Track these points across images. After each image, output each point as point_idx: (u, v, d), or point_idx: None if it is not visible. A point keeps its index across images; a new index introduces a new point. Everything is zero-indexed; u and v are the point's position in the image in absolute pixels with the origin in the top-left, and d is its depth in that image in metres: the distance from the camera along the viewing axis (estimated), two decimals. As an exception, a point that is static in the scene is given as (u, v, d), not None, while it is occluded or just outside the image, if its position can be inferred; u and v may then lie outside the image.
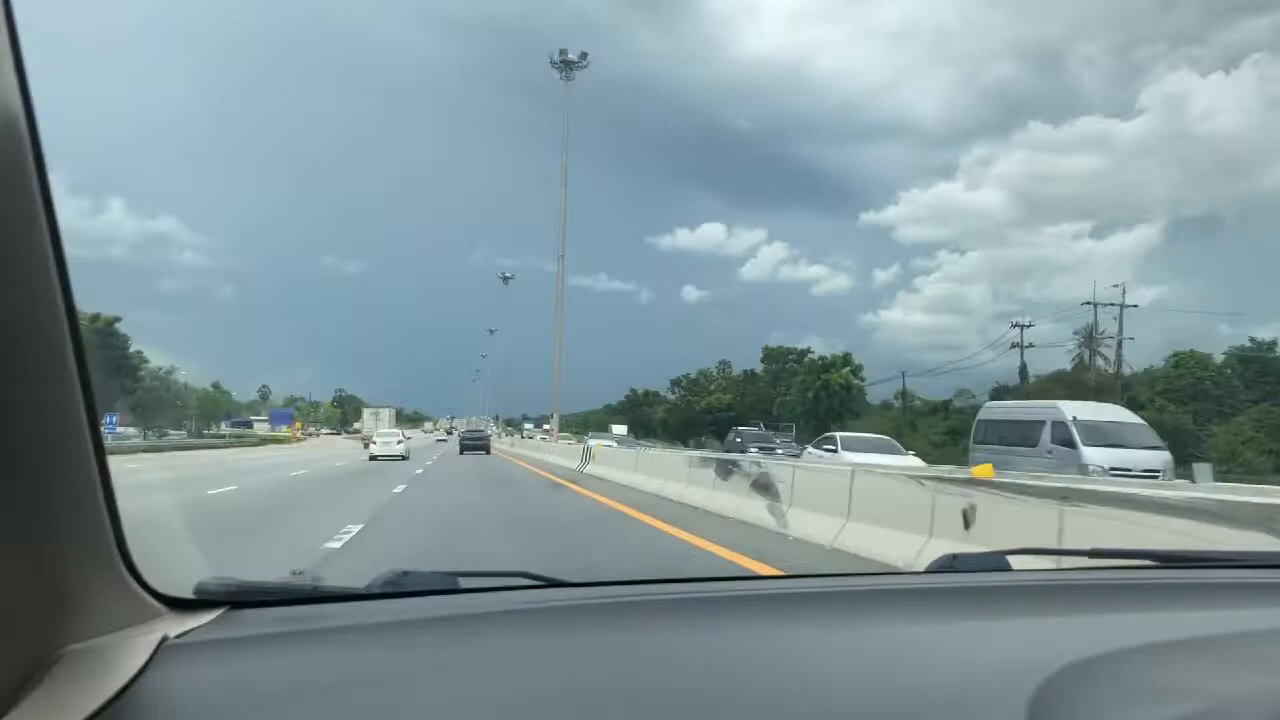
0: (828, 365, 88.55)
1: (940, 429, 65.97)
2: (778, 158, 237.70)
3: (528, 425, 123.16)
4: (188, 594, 1.52)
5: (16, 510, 1.12)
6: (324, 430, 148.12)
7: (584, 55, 67.39)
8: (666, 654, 1.44)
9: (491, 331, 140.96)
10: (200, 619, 1.46)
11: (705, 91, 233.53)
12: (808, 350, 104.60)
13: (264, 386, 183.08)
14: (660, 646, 1.47)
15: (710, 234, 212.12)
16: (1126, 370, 65.30)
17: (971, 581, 1.93)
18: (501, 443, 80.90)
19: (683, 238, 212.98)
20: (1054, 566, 2.15)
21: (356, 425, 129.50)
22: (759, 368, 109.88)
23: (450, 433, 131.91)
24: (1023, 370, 70.97)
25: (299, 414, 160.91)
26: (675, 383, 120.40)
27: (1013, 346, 71.74)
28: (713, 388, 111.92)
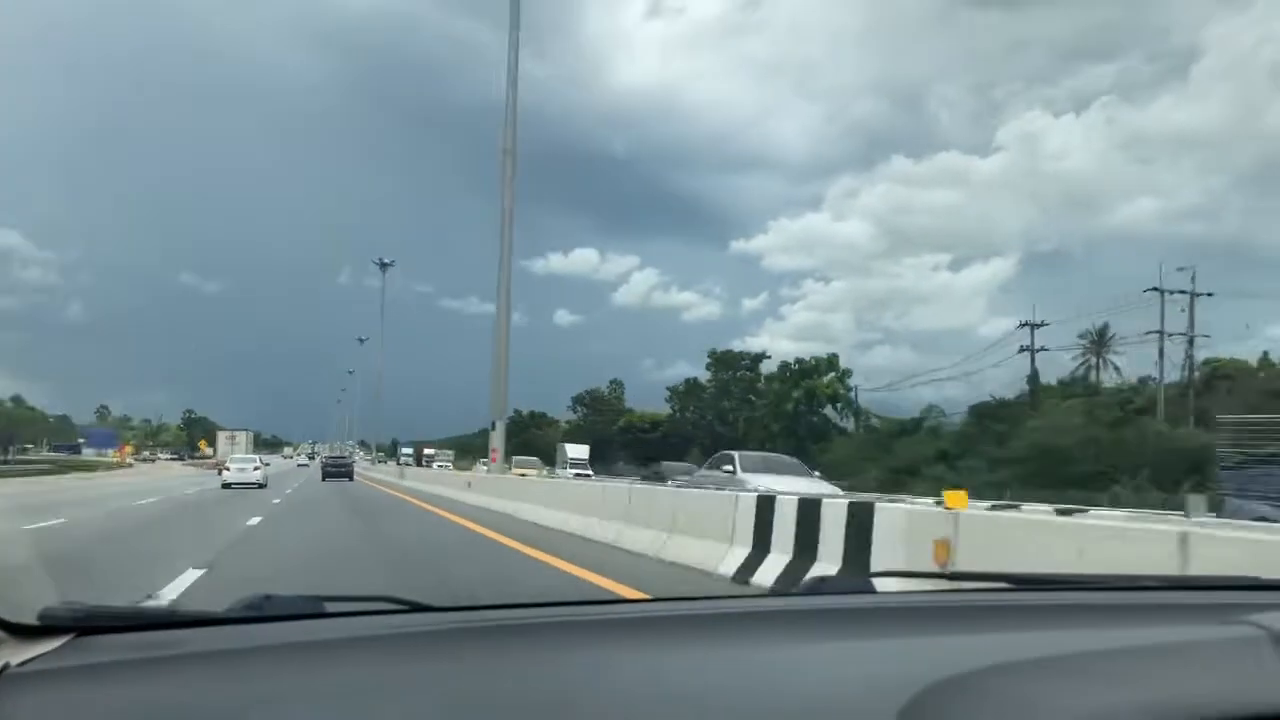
0: (808, 370, 76.50)
1: (930, 451, 55.03)
2: (651, 185, 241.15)
3: (405, 451, 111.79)
4: (32, 620, 1.43)
5: None
6: (164, 455, 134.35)
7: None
8: (527, 679, 1.43)
9: (361, 340, 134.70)
10: (46, 646, 1.38)
11: (580, 117, 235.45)
12: (763, 355, 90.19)
13: (102, 407, 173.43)
14: (521, 672, 1.46)
15: (583, 259, 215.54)
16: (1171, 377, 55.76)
17: (838, 603, 1.97)
18: (375, 472, 73.28)
19: (556, 262, 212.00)
20: (916, 589, 2.21)
21: (207, 450, 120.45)
22: (698, 377, 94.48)
23: (312, 458, 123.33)
24: (1034, 378, 62.27)
25: (134, 436, 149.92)
26: (578, 400, 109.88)
27: (1021, 350, 62.64)
28: (626, 409, 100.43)
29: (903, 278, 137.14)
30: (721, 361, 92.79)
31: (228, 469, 43.07)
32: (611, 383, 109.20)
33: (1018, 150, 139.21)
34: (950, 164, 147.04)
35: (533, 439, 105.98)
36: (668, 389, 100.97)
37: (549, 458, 74.41)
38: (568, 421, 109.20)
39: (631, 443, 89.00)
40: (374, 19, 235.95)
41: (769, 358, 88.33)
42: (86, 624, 1.47)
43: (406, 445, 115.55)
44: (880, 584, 2.08)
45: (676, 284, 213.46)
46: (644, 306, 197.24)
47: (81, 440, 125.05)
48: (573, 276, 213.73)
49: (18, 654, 1.32)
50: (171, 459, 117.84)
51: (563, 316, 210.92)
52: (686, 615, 1.89)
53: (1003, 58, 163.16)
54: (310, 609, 1.69)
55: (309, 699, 1.33)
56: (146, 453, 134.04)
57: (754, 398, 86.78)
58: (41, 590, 1.71)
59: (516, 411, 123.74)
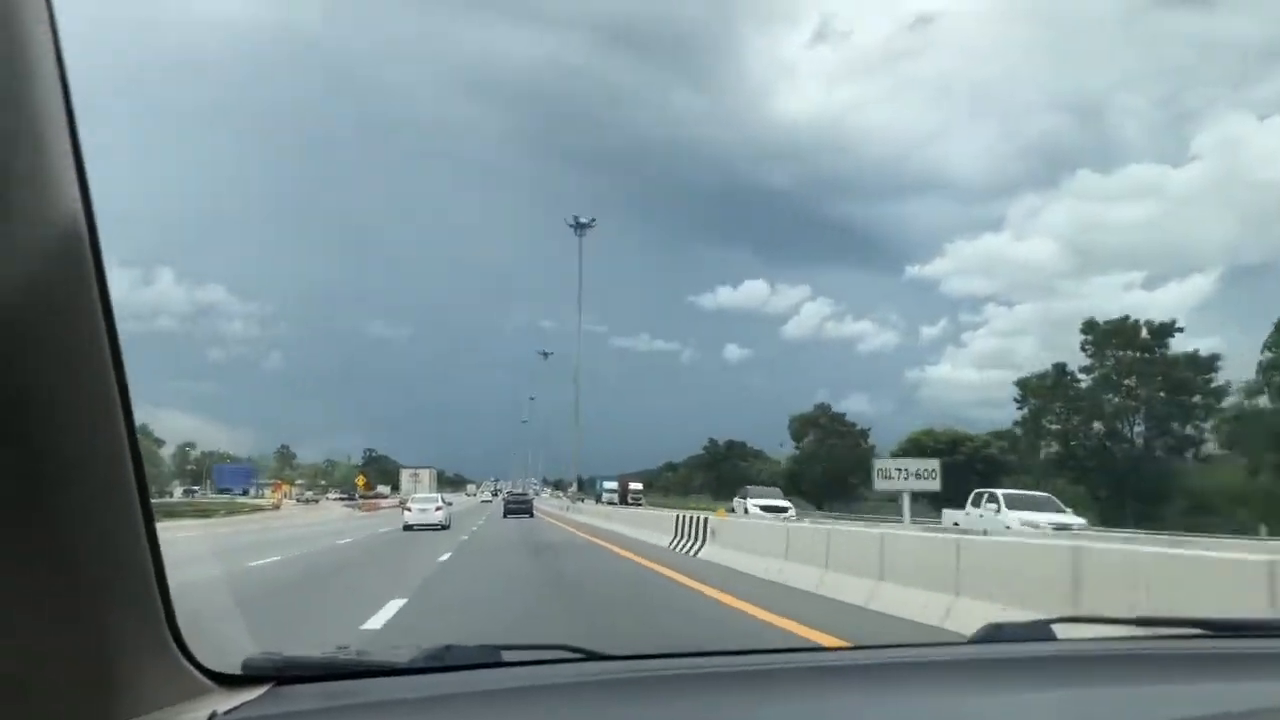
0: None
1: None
2: (819, 214, 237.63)
3: (608, 486, 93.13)
4: (235, 669, 1.53)
5: (67, 583, 1.15)
6: (333, 495, 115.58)
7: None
8: None
9: (531, 399, 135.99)
10: (247, 695, 1.47)
11: (744, 150, 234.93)
12: (1172, 326, 58.78)
13: (283, 447, 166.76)
14: None
15: (753, 291, 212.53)
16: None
17: (1015, 652, 1.90)
18: (578, 513, 57.84)
19: (725, 296, 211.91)
20: (1100, 636, 2.10)
21: (382, 488, 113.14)
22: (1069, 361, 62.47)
23: (495, 494, 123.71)
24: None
25: (298, 475, 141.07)
26: (809, 421, 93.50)
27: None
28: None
29: (1092, 298, 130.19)
30: (1109, 335, 60.15)
31: (408, 509, 40.12)
32: (818, 406, 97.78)
33: (1217, 158, 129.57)
34: (1141, 176, 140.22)
35: (726, 473, 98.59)
36: (792, 423, 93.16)
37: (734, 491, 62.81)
38: (789, 457, 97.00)
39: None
40: (540, 70, 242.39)
41: (1180, 330, 59.20)
42: (285, 673, 1.57)
43: (609, 480, 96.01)
44: (1061, 630, 1.99)
45: (850, 313, 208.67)
46: (816, 338, 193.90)
47: (201, 482, 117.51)
48: (742, 310, 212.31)
49: (223, 703, 1.41)
50: (339, 499, 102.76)
51: (732, 351, 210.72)
52: (869, 664, 1.85)
53: (1195, 62, 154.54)
54: (489, 658, 1.74)
55: None
56: (310, 493, 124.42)
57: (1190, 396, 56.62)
58: (240, 638, 1.82)
59: (711, 441, 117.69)
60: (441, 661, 1.71)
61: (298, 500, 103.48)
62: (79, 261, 0.93)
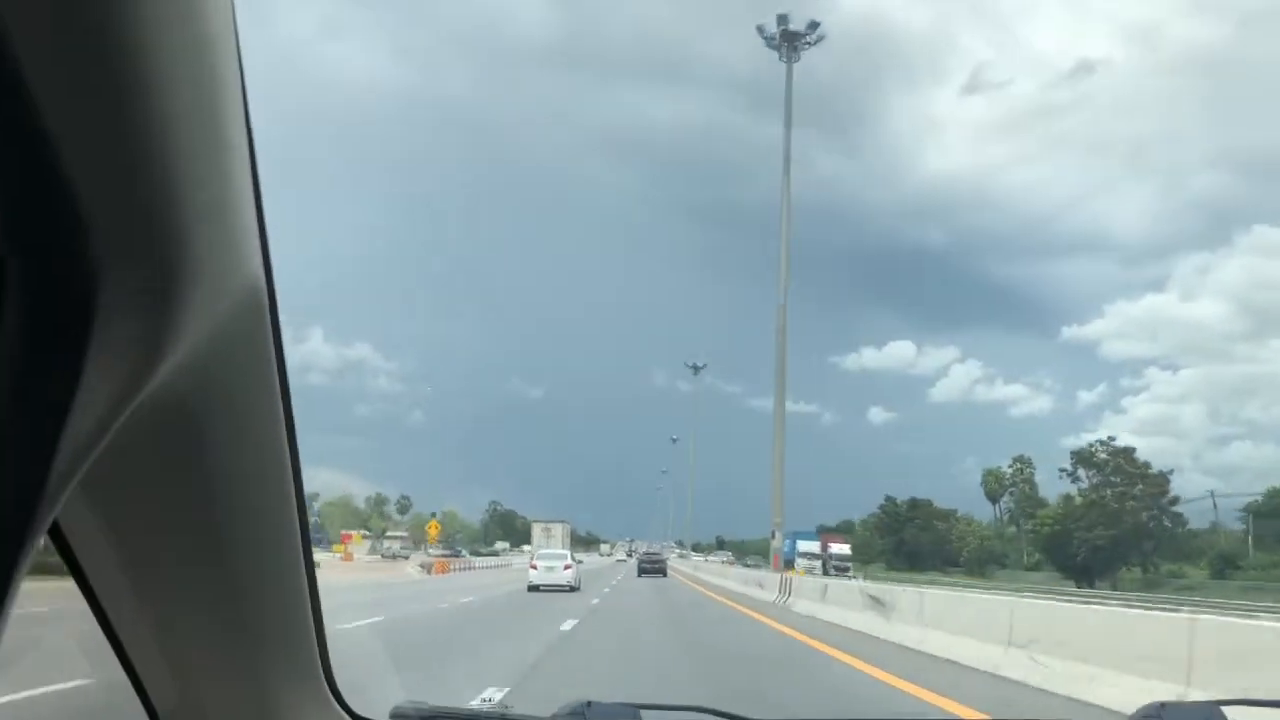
0: None
1: None
2: (968, 274, 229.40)
3: (806, 549, 75.25)
4: (384, 718, 1.57)
5: (239, 633, 1.21)
6: (435, 550, 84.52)
7: (704, 365, 70.52)
8: None
9: (674, 440, 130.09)
10: None
11: (889, 210, 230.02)
12: None
13: (403, 497, 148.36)
14: None
15: (898, 352, 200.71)
16: None
17: None
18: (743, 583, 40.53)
19: (869, 357, 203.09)
20: None
21: (501, 544, 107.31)
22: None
23: (630, 555, 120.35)
24: None
25: (404, 527, 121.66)
26: (1017, 474, 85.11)
27: None
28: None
29: (1271, 362, 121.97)
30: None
31: (534, 567, 34.86)
32: (1015, 459, 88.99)
33: None
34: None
35: (909, 539, 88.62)
36: (988, 480, 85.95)
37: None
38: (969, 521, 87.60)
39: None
40: (681, 131, 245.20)
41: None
42: None
43: (807, 538, 79.07)
44: (1233, 714, 1.87)
45: (1001, 377, 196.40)
46: (965, 401, 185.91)
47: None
48: (886, 371, 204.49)
49: None
50: (444, 554, 77.91)
51: (876, 414, 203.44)
52: None
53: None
54: (628, 716, 1.74)
55: None
56: (400, 545, 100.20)
57: None
58: (389, 687, 1.86)
59: (889, 499, 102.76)
60: (582, 717, 1.72)
61: (383, 555, 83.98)
62: (261, 325, 0.98)
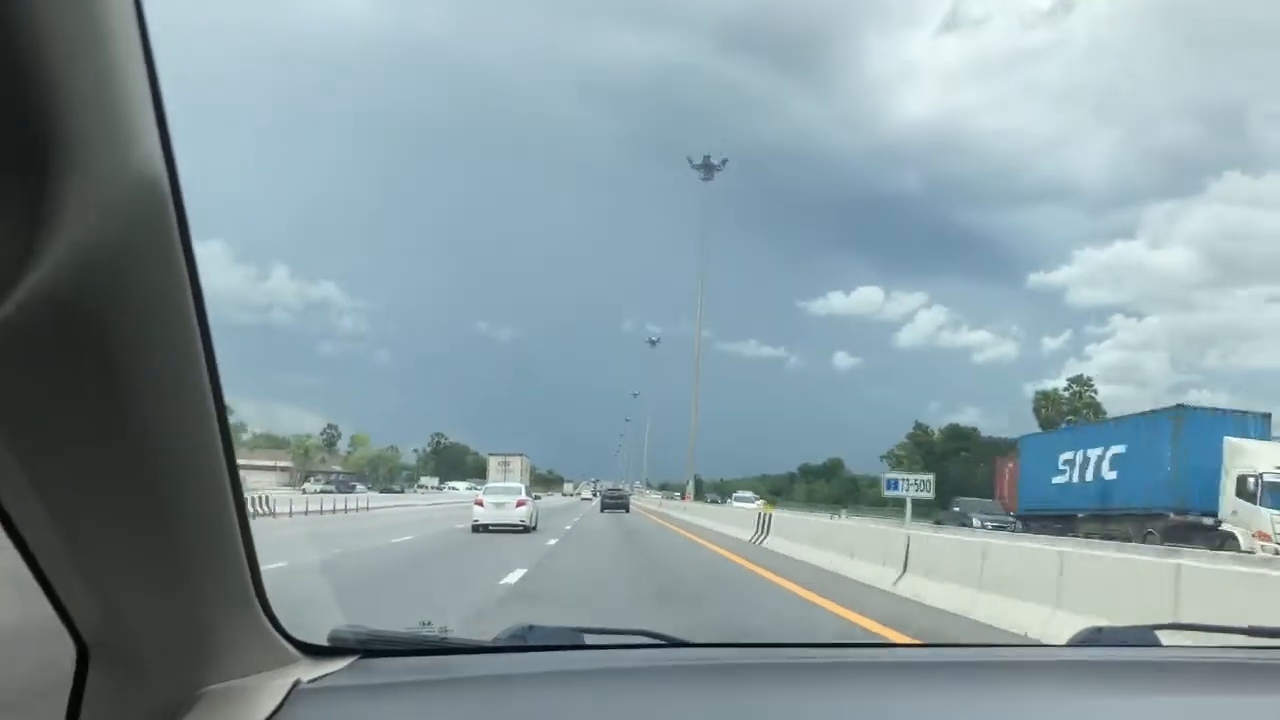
0: None
1: None
2: (937, 220, 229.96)
3: (744, 495, 73.07)
4: (322, 641, 1.56)
5: (163, 557, 1.18)
6: (315, 483, 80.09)
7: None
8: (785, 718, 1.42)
9: (635, 395, 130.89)
10: (333, 665, 1.51)
11: (861, 155, 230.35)
12: None
13: (329, 427, 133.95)
14: (782, 712, 1.44)
15: (866, 297, 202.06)
16: None
17: (1118, 656, 1.83)
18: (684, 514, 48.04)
19: (836, 302, 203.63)
20: (1207, 644, 2.01)
21: (430, 479, 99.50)
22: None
23: (595, 494, 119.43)
24: None
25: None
26: (1076, 397, 75.56)
27: None
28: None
29: (1233, 310, 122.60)
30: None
31: (480, 504, 28.87)
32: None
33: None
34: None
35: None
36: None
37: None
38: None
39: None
40: (656, 73, 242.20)
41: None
42: (370, 646, 1.60)
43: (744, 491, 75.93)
44: (1166, 638, 1.91)
45: (967, 323, 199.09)
46: (930, 347, 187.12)
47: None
48: (854, 317, 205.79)
49: (308, 672, 1.44)
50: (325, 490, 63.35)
51: (841, 359, 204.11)
52: (955, 662, 1.81)
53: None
54: (571, 640, 1.75)
55: None
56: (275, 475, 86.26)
57: None
58: (329, 614, 1.86)
59: (919, 426, 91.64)
60: (524, 641, 1.73)
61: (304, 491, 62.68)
62: (163, 231, 0.93)
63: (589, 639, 1.78)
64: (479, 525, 27.62)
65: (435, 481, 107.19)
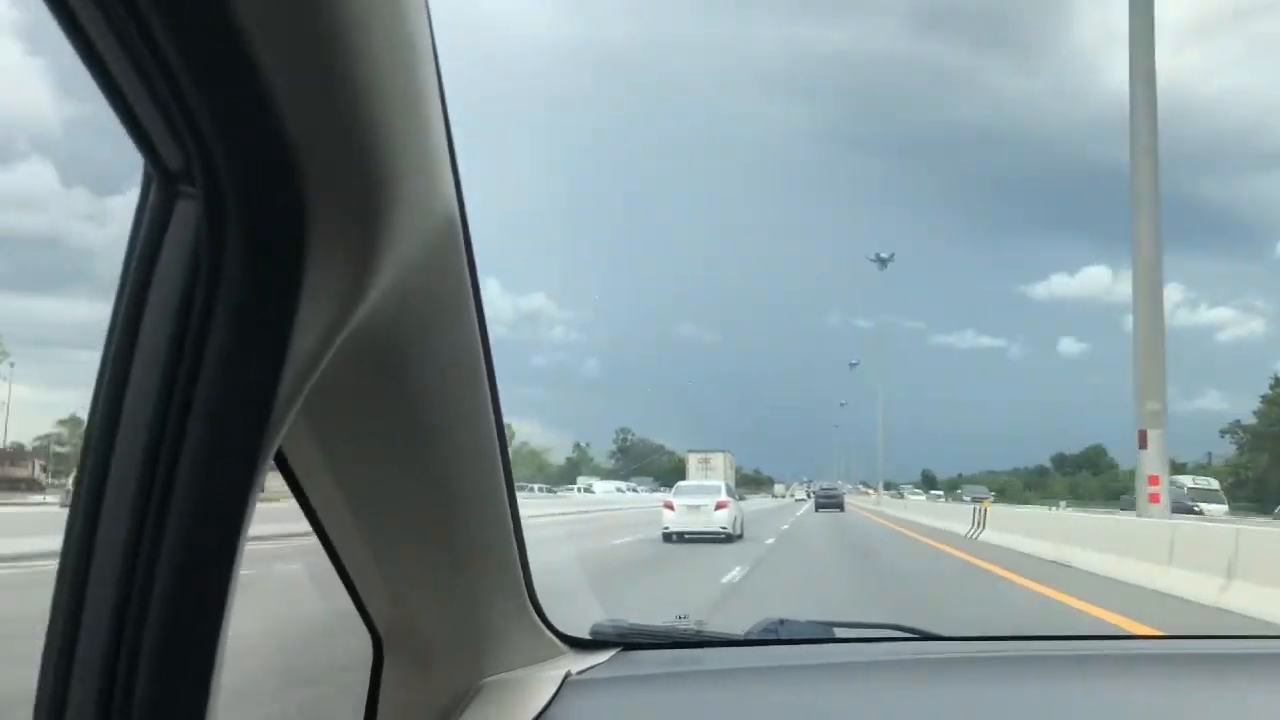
0: None
1: None
2: (1167, 192, 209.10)
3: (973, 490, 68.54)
4: (585, 635, 1.65)
5: (448, 559, 1.29)
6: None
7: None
8: (1044, 713, 1.40)
9: (842, 405, 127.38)
10: (597, 658, 1.59)
11: (1074, 128, 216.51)
12: None
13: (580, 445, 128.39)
14: (1038, 705, 1.42)
15: (1093, 278, 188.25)
16: None
17: None
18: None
19: (1059, 284, 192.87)
20: None
21: (585, 479, 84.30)
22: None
23: (808, 495, 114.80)
24: None
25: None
26: None
27: None
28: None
29: None
30: None
31: (670, 507, 23.73)
32: None
33: None
34: None
35: None
36: None
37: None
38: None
39: None
40: (848, 62, 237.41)
41: None
42: (629, 639, 1.67)
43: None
44: None
45: (1205, 301, 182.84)
46: (1167, 327, 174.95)
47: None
48: (1080, 300, 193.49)
49: (576, 664, 1.53)
50: None
51: (1067, 346, 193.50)
52: (1212, 654, 1.74)
53: None
54: (821, 634, 1.78)
55: (819, 717, 1.41)
56: None
57: None
58: (590, 609, 1.95)
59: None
60: (775, 635, 1.77)
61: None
62: (456, 256, 1.03)
63: (839, 632, 1.80)
64: (670, 534, 22.73)
65: (590, 482, 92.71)
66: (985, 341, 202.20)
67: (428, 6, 0.85)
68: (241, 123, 0.66)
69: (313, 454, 1.04)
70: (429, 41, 0.85)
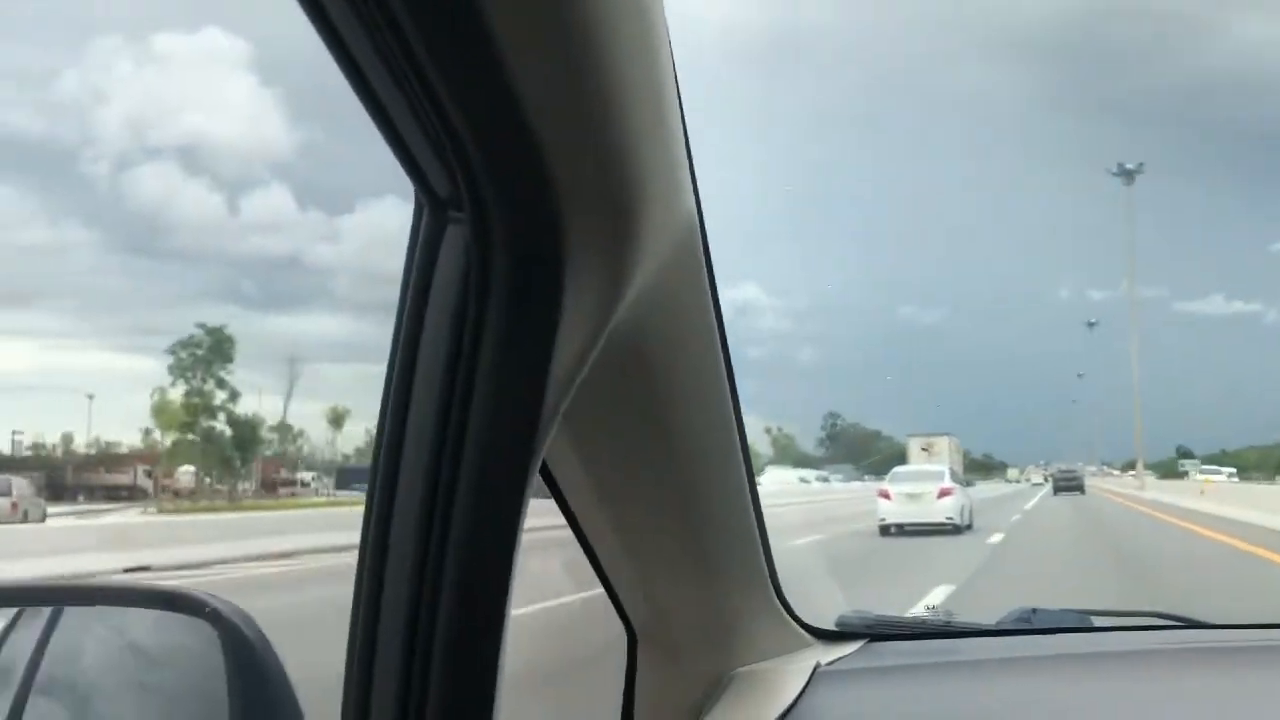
0: None
1: None
2: None
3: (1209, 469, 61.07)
4: (830, 626, 1.65)
5: (697, 554, 1.33)
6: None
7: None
8: None
9: (1080, 376, 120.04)
10: (845, 649, 1.59)
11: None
12: None
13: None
14: None
15: None
16: None
17: None
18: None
19: None
20: None
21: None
22: None
23: (1045, 479, 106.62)
24: None
25: None
26: None
27: None
28: None
29: None
30: None
31: (886, 496, 20.93)
32: None
33: None
34: None
35: None
36: None
37: None
38: None
39: None
40: (1062, 17, 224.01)
41: None
42: (876, 630, 1.66)
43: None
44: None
45: None
46: None
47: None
48: None
49: (824, 655, 1.54)
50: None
51: None
52: None
53: None
54: (1078, 623, 1.71)
55: (1079, 709, 1.36)
56: None
57: None
58: (833, 599, 1.95)
59: None
60: (1028, 624, 1.72)
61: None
62: (697, 255, 1.06)
63: (1097, 621, 1.73)
64: (887, 526, 20.16)
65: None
66: (1237, 307, 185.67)
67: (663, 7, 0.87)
68: (504, 148, 0.70)
69: (567, 453, 1.09)
70: (668, 41, 0.87)
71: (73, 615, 1.21)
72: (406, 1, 0.60)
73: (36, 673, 1.16)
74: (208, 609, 1.01)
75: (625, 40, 0.73)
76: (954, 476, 22.12)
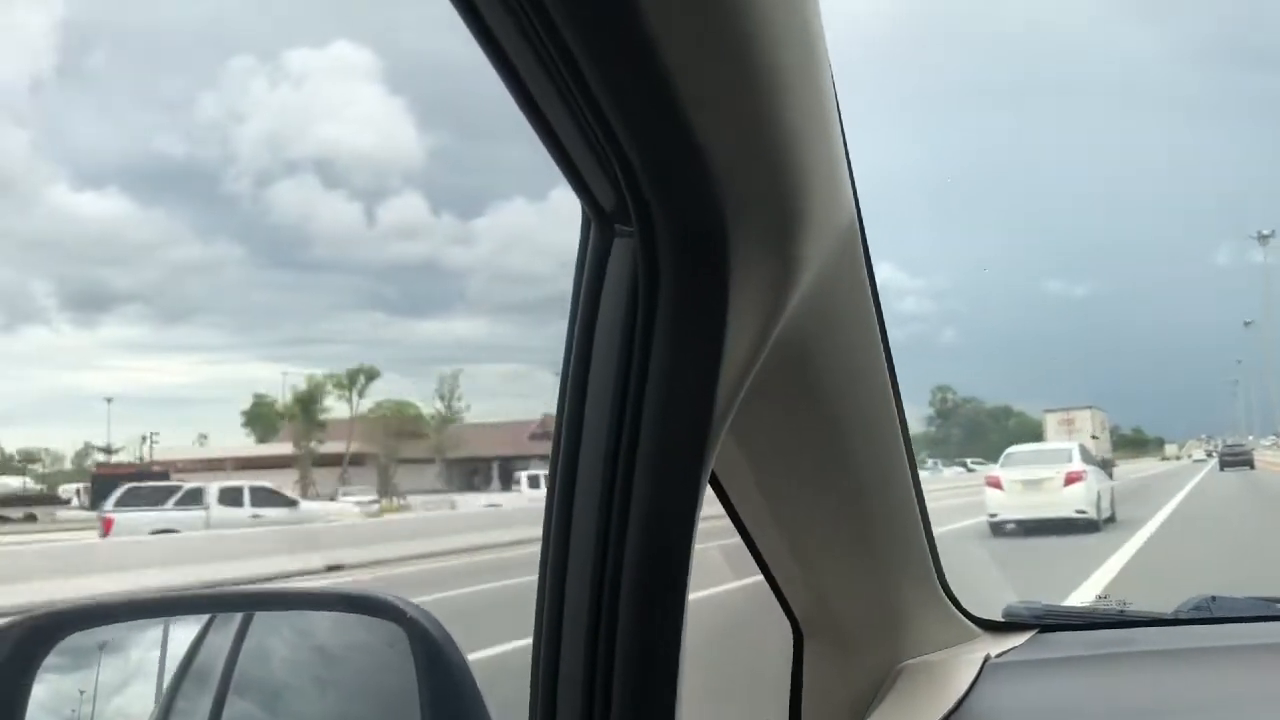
0: None
1: None
2: None
3: None
4: (997, 616, 1.62)
5: (863, 549, 1.32)
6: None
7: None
8: None
9: (1247, 324, 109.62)
10: (1014, 640, 1.55)
11: None
12: None
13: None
14: None
15: None
16: None
17: None
18: None
19: None
20: None
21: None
22: None
23: (1210, 454, 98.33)
24: None
25: None
26: None
27: None
28: None
29: None
30: None
31: (995, 484, 16.08)
32: None
33: None
34: None
35: None
36: None
37: None
38: None
39: None
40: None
41: None
42: (1045, 621, 1.62)
43: None
44: None
45: None
46: None
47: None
48: None
49: (993, 647, 1.51)
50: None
51: None
52: None
53: None
54: (1261, 611, 1.64)
55: (1264, 702, 1.30)
56: None
57: None
58: (998, 589, 1.92)
59: None
60: (1208, 613, 1.65)
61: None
62: (857, 254, 1.05)
63: None
64: (999, 522, 15.47)
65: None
66: None
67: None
68: (666, 154, 0.71)
69: (733, 455, 1.10)
70: (822, 32, 0.87)
71: (262, 619, 1.28)
72: (564, 7, 0.60)
73: (233, 674, 1.22)
74: (395, 611, 1.05)
75: (782, 34, 0.73)
76: (1086, 456, 17.36)
